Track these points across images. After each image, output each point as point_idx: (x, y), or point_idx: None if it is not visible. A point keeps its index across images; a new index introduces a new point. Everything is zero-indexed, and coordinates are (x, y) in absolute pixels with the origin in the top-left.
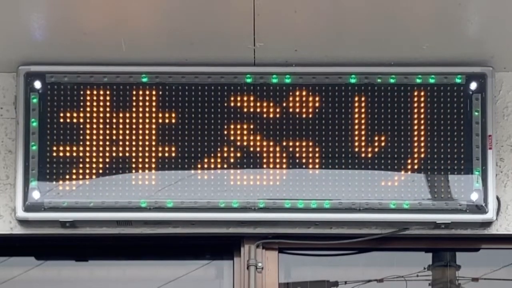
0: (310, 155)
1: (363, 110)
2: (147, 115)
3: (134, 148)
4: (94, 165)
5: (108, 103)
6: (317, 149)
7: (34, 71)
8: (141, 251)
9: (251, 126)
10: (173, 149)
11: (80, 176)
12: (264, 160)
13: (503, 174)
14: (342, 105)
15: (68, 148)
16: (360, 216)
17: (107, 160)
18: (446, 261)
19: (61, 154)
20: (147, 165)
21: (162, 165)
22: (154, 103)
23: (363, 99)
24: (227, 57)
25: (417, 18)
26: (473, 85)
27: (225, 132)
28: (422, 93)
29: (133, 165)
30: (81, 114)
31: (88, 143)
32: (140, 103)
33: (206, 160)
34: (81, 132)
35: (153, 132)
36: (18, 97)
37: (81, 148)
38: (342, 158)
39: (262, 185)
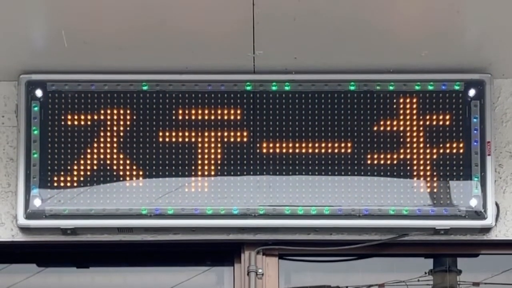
0: (310, 161)
1: (362, 117)
2: (147, 123)
3: (134, 156)
4: (95, 173)
5: (108, 111)
6: (316, 156)
7: (35, 79)
8: (142, 258)
9: (251, 134)
10: (173, 156)
11: (81, 184)
12: (264, 167)
13: (502, 180)
14: (342, 112)
15: (69, 156)
16: (360, 222)
17: (108, 167)
18: (447, 266)
19: (62, 162)
20: (147, 173)
21: (163, 172)
22: (154, 111)
23: (362, 106)
24: (227, 65)
25: (416, 26)
26: (472, 92)
27: (225, 139)
28: (421, 100)
29: (134, 172)
30: (82, 122)
31: (89, 150)
32: (141, 111)
33: (206, 167)
34: (82, 140)
35: (154, 139)
36: (20, 106)
37: (82, 156)
38: (341, 164)
39: (262, 192)
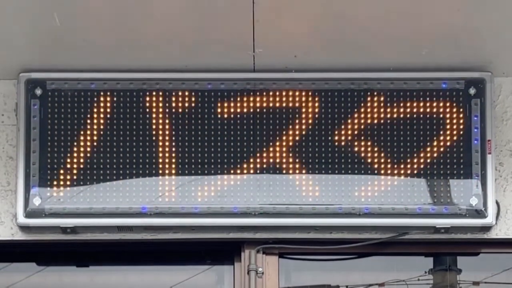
0: (310, 160)
1: (362, 115)
2: (147, 121)
3: (134, 154)
4: (94, 171)
5: (108, 110)
6: (316, 154)
7: (35, 78)
8: (142, 256)
9: (251, 132)
10: (173, 155)
11: (81, 182)
12: (264, 166)
13: (503, 179)
14: (342, 111)
15: (68, 155)
16: (360, 221)
17: (108, 166)
18: (447, 265)
19: (61, 160)
20: (147, 171)
21: (162, 171)
22: (154, 109)
23: (362, 104)
24: (227, 63)
25: (416, 24)
26: (472, 90)
27: (225, 138)
28: (422, 99)
29: (134, 171)
30: (82, 121)
31: (88, 149)
32: (141, 110)
33: (206, 166)
34: (82, 138)
35: (153, 138)
36: (19, 104)
37: (81, 155)
38: (341, 163)
39: (262, 190)
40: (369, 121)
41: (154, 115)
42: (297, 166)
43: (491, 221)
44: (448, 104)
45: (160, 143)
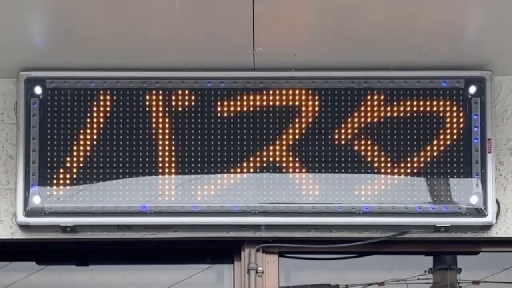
0: (310, 159)
1: (362, 114)
2: (147, 120)
3: (134, 153)
4: (94, 170)
5: (108, 108)
6: (316, 153)
7: (35, 76)
8: (142, 255)
9: (251, 131)
10: (173, 153)
11: (81, 181)
12: (264, 165)
13: (503, 178)
14: (342, 109)
15: (68, 153)
16: (360, 220)
17: (108, 165)
18: (446, 264)
19: (61, 159)
20: (147, 170)
21: (162, 170)
22: (154, 108)
23: (362, 103)
24: (227, 62)
25: (416, 23)
26: (472, 89)
27: (225, 137)
28: (421, 97)
29: (134, 170)
30: (82, 119)
31: (88, 148)
32: (140, 108)
33: (206, 165)
34: (82, 137)
35: (153, 137)
36: (19, 103)
37: (81, 153)
38: (341, 162)
39: (262, 189)
40: (369, 119)
41: (154, 114)
42: (297, 164)
43: (491, 220)
44: (448, 103)
45: (160, 142)
